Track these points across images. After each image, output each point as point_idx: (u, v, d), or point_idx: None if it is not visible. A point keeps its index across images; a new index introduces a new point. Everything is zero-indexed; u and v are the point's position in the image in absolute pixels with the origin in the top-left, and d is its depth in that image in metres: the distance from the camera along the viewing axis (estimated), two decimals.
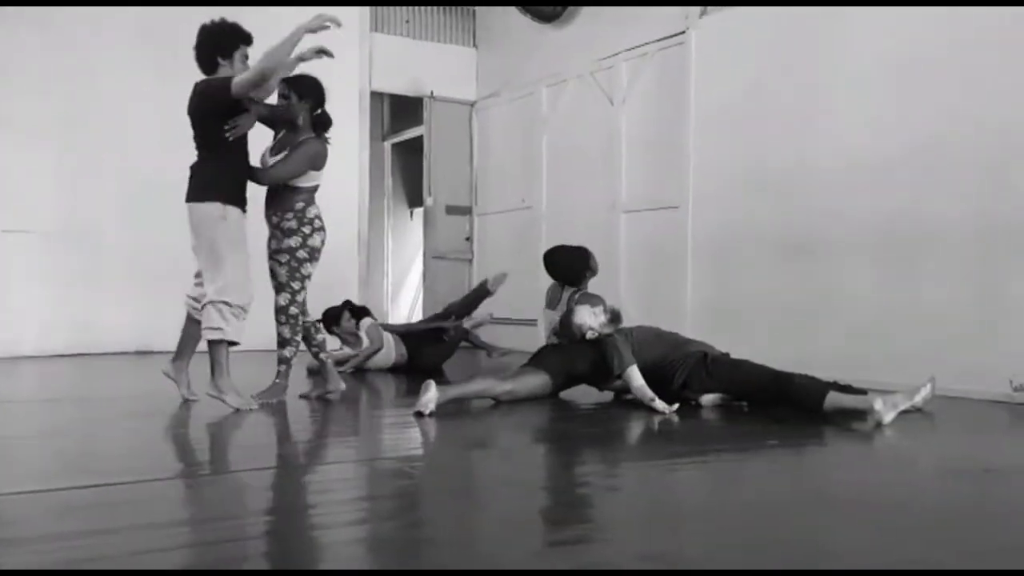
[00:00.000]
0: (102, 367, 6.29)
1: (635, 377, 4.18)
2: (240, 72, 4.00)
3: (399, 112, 9.88)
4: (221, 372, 4.02)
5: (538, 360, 4.53)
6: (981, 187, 4.57)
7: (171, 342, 6.88)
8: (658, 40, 6.49)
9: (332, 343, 5.31)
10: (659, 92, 6.53)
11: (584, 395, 4.58)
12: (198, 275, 4.18)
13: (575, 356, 4.44)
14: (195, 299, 4.21)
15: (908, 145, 4.87)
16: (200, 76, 4.10)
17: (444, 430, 3.66)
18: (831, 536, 2.12)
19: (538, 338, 5.18)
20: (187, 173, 4.11)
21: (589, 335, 4.40)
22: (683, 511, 2.46)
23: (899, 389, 3.93)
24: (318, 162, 4.29)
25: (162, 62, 7.03)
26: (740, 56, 5.87)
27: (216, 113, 3.98)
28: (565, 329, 4.54)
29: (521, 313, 7.43)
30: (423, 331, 6.31)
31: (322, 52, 4.11)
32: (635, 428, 3.85)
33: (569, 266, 5.01)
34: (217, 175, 4.02)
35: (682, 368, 4.24)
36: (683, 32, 6.25)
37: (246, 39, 4.11)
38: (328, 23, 3.88)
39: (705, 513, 2.39)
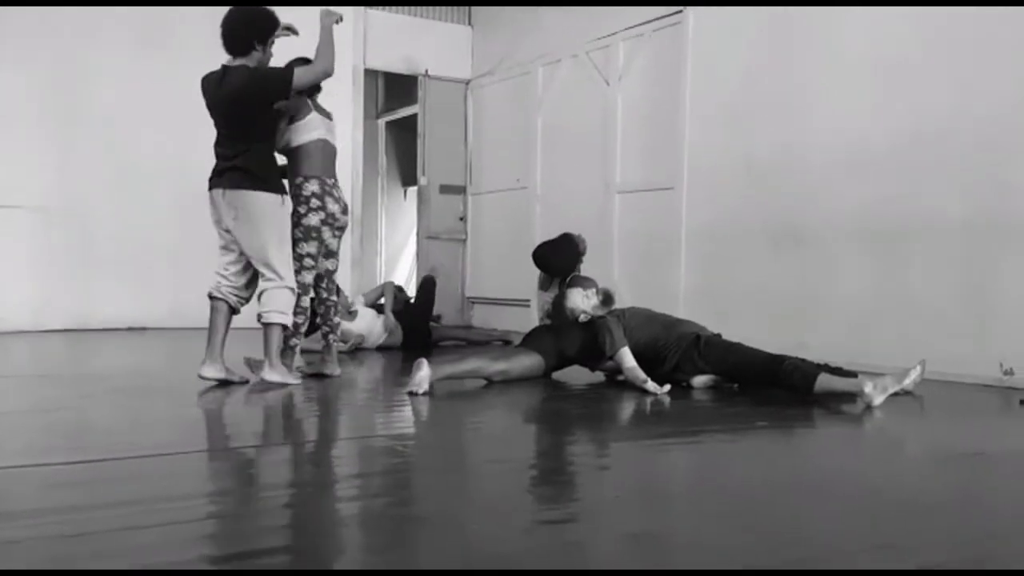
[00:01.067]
0: (93, 343, 6.29)
1: (627, 358, 4.19)
2: (269, 59, 4.09)
3: (393, 90, 9.82)
4: (276, 353, 4.08)
5: (531, 341, 4.54)
6: (972, 178, 4.57)
7: (162, 319, 6.99)
8: (655, 20, 6.45)
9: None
10: (655, 73, 6.49)
11: (576, 376, 4.60)
12: (226, 269, 4.12)
13: (568, 337, 4.45)
14: (236, 289, 4.11)
15: (904, 135, 4.85)
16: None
17: (436, 409, 3.67)
18: (818, 519, 2.13)
19: (532, 319, 5.19)
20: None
21: (582, 318, 4.41)
22: (672, 492, 2.48)
23: (889, 372, 3.95)
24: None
25: (154, 41, 6.98)
26: (737, 39, 5.84)
27: (266, 102, 4.02)
28: (558, 311, 4.55)
29: (515, 293, 7.44)
30: (401, 308, 6.39)
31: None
32: (626, 409, 3.87)
33: (564, 266, 4.92)
34: (269, 164, 4.10)
35: (674, 350, 4.25)
36: (680, 11, 6.21)
37: (277, 25, 4.11)
38: (338, 19, 4.10)
39: (694, 494, 2.41)
